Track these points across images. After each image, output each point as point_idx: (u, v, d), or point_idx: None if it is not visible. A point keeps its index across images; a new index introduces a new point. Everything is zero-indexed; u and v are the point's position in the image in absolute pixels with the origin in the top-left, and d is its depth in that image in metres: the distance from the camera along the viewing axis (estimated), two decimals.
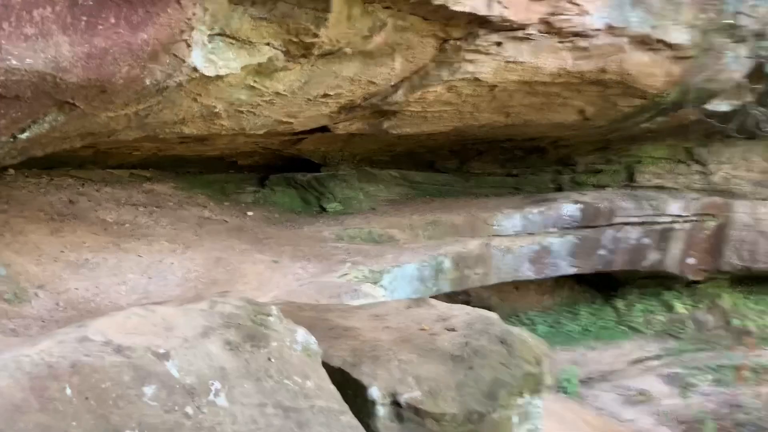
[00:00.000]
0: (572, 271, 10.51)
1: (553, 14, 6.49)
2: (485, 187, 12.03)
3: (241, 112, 5.96)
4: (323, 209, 10.11)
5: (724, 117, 8.60)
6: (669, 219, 10.63)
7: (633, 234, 10.53)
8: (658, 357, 10.66)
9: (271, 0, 4.58)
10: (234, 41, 4.83)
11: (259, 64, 5.22)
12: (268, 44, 5.05)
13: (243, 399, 2.20)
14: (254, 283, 6.80)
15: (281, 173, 10.30)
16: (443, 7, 5.48)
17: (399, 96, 7.02)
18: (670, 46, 7.63)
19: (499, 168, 12.05)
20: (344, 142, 9.53)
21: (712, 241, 10.82)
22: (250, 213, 9.36)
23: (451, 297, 11.60)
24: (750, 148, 10.86)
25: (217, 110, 5.58)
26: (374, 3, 5.24)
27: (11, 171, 8.22)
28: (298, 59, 5.56)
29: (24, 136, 3.63)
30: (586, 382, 9.78)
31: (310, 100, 6.44)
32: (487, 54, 6.70)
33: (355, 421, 2.52)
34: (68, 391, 1.89)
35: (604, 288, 11.91)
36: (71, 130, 4.16)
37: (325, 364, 2.91)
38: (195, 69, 4.48)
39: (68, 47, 3.18)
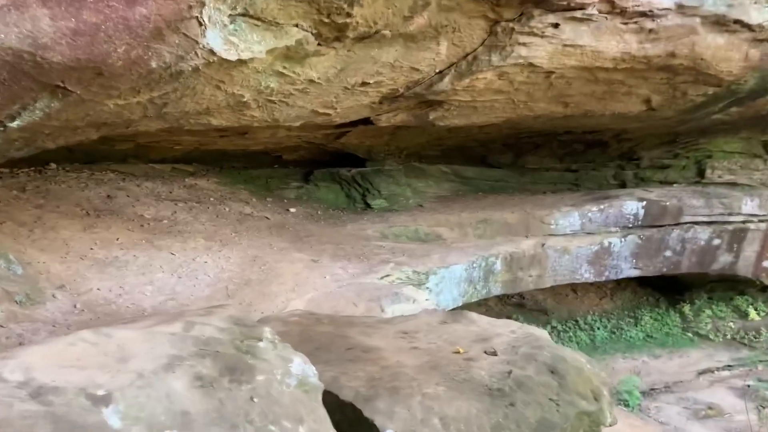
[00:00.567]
0: (634, 273, 9.67)
1: None
2: (541, 183, 11.26)
3: (273, 101, 5.46)
4: (368, 206, 9.58)
5: None
6: (742, 218, 9.64)
7: (702, 234, 9.60)
8: (728, 368, 9.72)
9: None
10: (259, 22, 4.31)
11: (288, 48, 4.69)
12: (296, 25, 4.51)
13: None
14: (290, 283, 6.32)
15: (326, 168, 9.82)
16: None
17: (445, 84, 6.38)
18: (748, 27, 6.72)
19: (557, 163, 11.25)
20: (390, 136, 8.96)
21: None
22: (292, 209, 8.91)
23: (502, 300, 10.92)
24: None
25: (245, 99, 5.09)
26: None
27: (52, 165, 8.01)
28: (331, 43, 5.01)
29: (15, 124, 3.22)
30: (649, 393, 8.96)
31: (348, 89, 5.89)
32: (542, 36, 5.99)
33: None
34: None
35: (669, 292, 10.97)
36: (75, 119, 3.73)
37: (333, 397, 2.36)
38: (212, 52, 3.99)
39: (49, 21, 2.72)
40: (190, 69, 4.00)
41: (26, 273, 4.85)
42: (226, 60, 4.22)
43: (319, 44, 4.92)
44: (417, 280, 7.56)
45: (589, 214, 9.26)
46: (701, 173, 10.23)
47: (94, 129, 4.26)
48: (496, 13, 5.59)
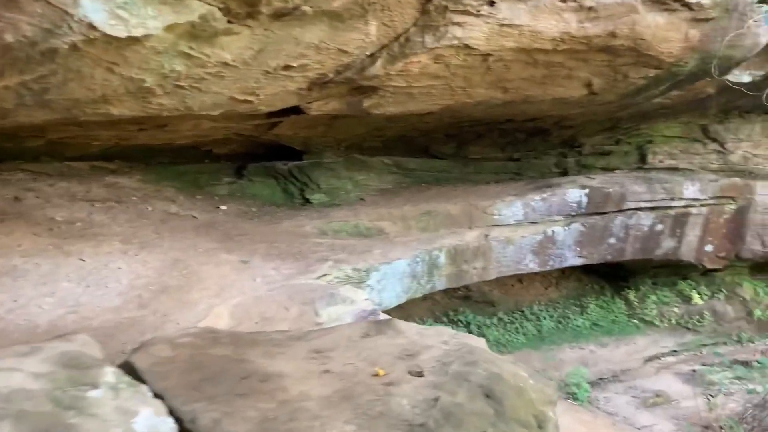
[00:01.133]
0: (579, 261, 9.38)
1: None
2: (485, 173, 10.87)
3: (182, 87, 4.81)
4: (306, 201, 8.99)
5: (754, 87, 7.37)
6: (684, 203, 9.45)
7: (645, 220, 9.37)
8: (674, 353, 9.55)
9: None
10: None
11: (192, 25, 4.08)
12: None
13: None
14: (214, 288, 5.69)
15: (261, 162, 9.17)
16: None
17: (377, 68, 5.85)
18: (688, 6, 6.42)
19: (500, 152, 10.88)
20: (326, 127, 8.38)
21: (731, 226, 9.63)
22: (223, 207, 8.25)
23: (448, 293, 10.49)
24: None
25: (147, 84, 4.45)
26: None
27: None
28: (244, 20, 4.41)
29: None
30: (597, 383, 8.67)
31: (270, 73, 5.29)
32: (477, 16, 5.52)
33: None
34: None
35: (614, 279, 10.75)
36: None
37: None
38: (92, 26, 3.35)
39: None
40: (66, 47, 3.35)
41: None
42: (113, 37, 3.58)
43: (229, 21, 4.32)
44: (357, 278, 7.03)
45: (532, 203, 8.90)
46: (643, 159, 10.01)
47: None
48: None
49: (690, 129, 9.89)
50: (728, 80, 7.75)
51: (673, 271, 10.35)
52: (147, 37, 3.80)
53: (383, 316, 6.09)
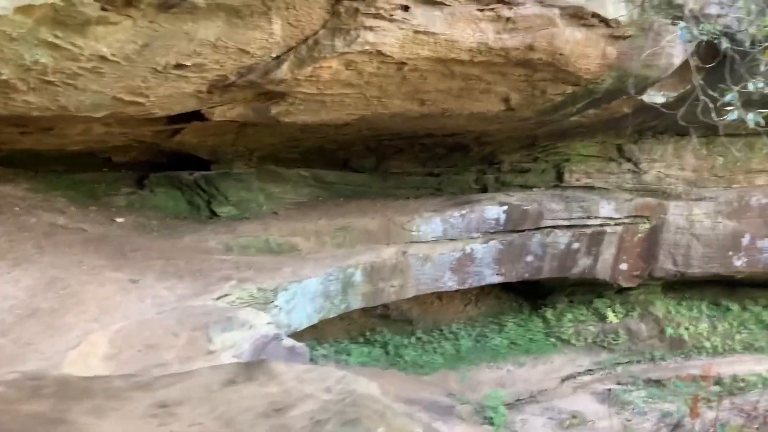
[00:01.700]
0: (497, 279, 9.14)
1: None
2: (405, 188, 10.51)
3: (52, 83, 4.17)
4: (214, 214, 8.34)
5: (671, 106, 7.31)
6: (600, 222, 9.39)
7: (562, 238, 9.23)
8: (590, 372, 9.43)
9: None
10: None
11: (56, 9, 3.47)
12: None
13: None
14: (93, 311, 5.01)
15: (165, 172, 8.45)
16: None
17: (284, 72, 5.35)
18: (606, 22, 6.26)
19: (420, 167, 10.55)
20: (235, 135, 7.79)
21: (645, 245, 9.64)
22: (119, 219, 7.50)
23: (366, 311, 10.02)
24: (683, 146, 9.74)
25: (4, 77, 3.79)
26: None
27: None
28: (123, 9, 3.84)
29: None
30: (515, 405, 8.40)
31: (160, 72, 4.71)
32: (391, 20, 5.13)
33: None
34: None
35: (531, 297, 10.60)
36: None
37: None
38: None
39: None
40: None
41: None
42: None
43: (103, 9, 3.74)
44: (263, 298, 6.46)
45: (451, 220, 8.60)
46: (560, 177, 9.91)
47: None
48: None
49: (606, 148, 9.88)
50: (643, 100, 7.70)
51: (589, 289, 10.30)
52: None
53: (288, 341, 5.56)
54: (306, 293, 7.09)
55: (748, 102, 5.81)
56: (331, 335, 9.11)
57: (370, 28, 5.11)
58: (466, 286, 8.96)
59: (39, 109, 4.46)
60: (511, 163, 10.09)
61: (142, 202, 8.07)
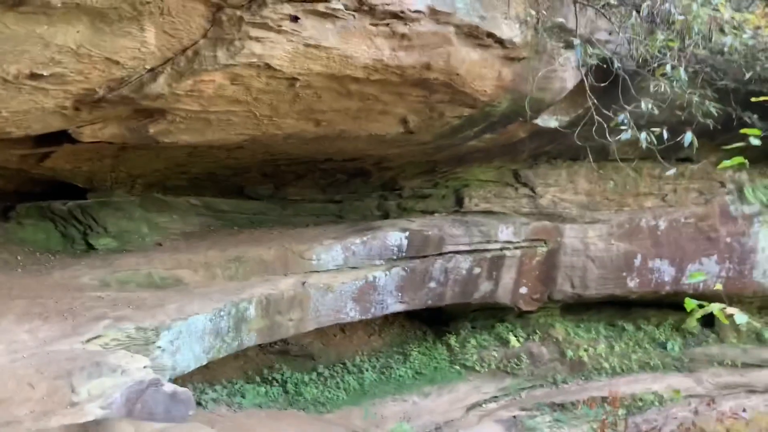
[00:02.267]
0: (400, 307, 8.84)
1: None
2: (304, 216, 10.07)
3: None
4: (91, 247, 7.54)
5: (568, 126, 7.37)
6: (500, 246, 9.35)
7: (464, 263, 9.11)
8: (495, 399, 9.27)
9: None
10: None
11: None
12: None
13: None
14: None
15: (35, 201, 7.58)
16: None
17: (161, 86, 4.85)
18: (501, 42, 6.23)
19: (320, 193, 10.16)
20: (113, 159, 7.11)
21: (543, 268, 9.71)
22: None
23: (264, 348, 9.41)
24: (576, 170, 9.98)
25: None
26: None
27: None
28: None
29: None
30: None
31: (10, 82, 4.10)
32: (279, 32, 4.78)
33: None
34: None
35: (435, 324, 10.38)
36: None
37: None
38: None
39: None
40: None
41: None
42: None
43: None
44: (143, 339, 5.80)
45: (353, 247, 8.25)
46: (460, 202, 9.84)
47: None
48: None
49: (502, 173, 9.94)
50: (538, 124, 7.76)
51: (491, 314, 10.23)
52: None
53: (169, 387, 4.93)
54: (193, 331, 6.46)
55: (637, 125, 5.92)
56: (225, 376, 8.42)
57: (257, 39, 4.74)
58: (369, 315, 8.58)
59: None
60: (412, 189, 9.92)
61: (7, 236, 7.16)
